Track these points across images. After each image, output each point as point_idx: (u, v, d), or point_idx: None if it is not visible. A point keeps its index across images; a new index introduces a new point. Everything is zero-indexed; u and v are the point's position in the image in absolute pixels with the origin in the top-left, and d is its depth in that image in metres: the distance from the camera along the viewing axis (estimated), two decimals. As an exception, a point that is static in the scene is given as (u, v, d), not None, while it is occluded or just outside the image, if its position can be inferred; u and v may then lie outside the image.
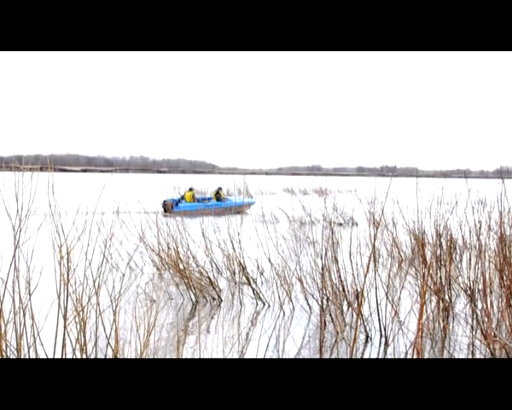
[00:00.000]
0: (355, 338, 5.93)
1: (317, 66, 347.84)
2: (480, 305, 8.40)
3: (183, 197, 32.72)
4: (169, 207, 30.26)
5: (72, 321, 6.35)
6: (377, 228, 7.63)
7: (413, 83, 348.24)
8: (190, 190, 33.12)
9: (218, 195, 33.27)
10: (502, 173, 9.44)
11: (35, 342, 6.14)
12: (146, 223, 13.79)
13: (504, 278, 7.96)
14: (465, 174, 9.10)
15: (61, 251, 6.33)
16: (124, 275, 11.54)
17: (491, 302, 8.50)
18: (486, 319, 7.41)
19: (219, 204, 30.80)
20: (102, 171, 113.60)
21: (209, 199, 33.23)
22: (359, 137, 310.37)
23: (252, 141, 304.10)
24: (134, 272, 13.62)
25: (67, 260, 6.29)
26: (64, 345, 6.22)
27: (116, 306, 6.67)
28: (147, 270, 13.86)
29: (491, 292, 8.50)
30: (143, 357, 6.10)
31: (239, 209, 30.04)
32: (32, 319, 6.17)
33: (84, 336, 6.34)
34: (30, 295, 6.17)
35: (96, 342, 6.49)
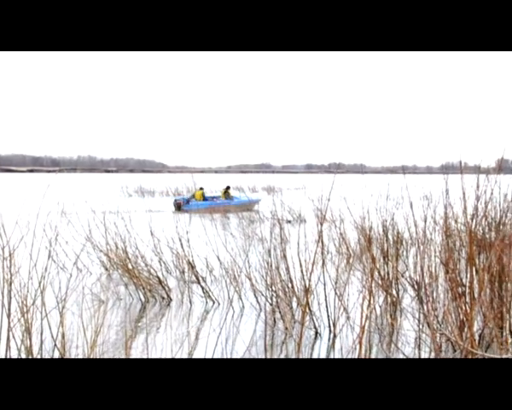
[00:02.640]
0: (301, 335, 5.95)
1: (268, 64, 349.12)
2: (426, 299, 8.50)
3: (193, 196, 34.03)
4: (180, 206, 31.93)
5: (17, 323, 6.24)
6: (321, 224, 7.65)
7: (361, 81, 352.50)
8: (200, 189, 34.50)
9: (226, 193, 34.36)
10: (446, 169, 9.60)
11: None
12: (93, 222, 13.59)
13: (449, 271, 8.08)
14: (403, 170, 9.21)
15: (3, 252, 6.22)
16: (71, 275, 11.38)
17: (438, 296, 8.62)
18: (432, 313, 7.51)
19: (228, 202, 31.95)
20: (49, 171, 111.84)
21: (218, 198, 34.34)
22: (308, 135, 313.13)
23: (201, 139, 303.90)
24: (82, 273, 13.42)
25: (10, 260, 6.18)
26: (8, 347, 6.11)
27: (63, 307, 6.58)
28: (95, 270, 13.66)
29: (436, 286, 8.62)
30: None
31: (247, 207, 30.58)
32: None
33: (30, 338, 6.24)
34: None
35: (41, 343, 6.39)
